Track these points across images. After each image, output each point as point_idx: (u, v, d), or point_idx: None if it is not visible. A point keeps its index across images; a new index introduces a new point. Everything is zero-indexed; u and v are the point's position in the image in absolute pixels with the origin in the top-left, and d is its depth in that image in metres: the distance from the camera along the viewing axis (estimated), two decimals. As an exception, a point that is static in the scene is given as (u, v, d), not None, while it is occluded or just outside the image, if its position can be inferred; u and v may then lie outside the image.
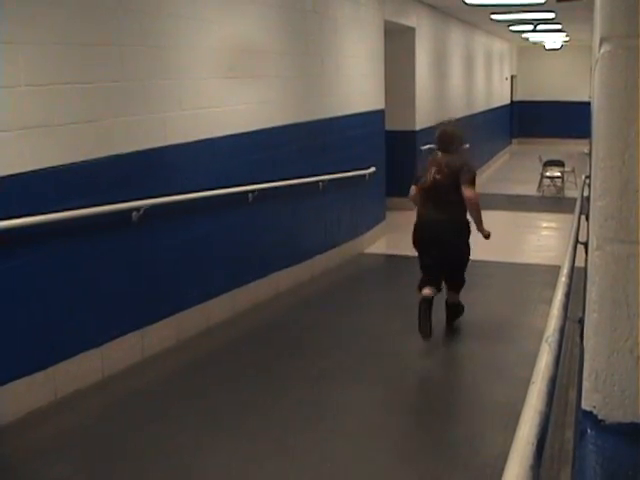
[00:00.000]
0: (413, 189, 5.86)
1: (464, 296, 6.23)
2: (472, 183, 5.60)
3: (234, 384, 5.05)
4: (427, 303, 5.55)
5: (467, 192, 5.53)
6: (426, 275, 5.77)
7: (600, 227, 1.18)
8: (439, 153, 5.85)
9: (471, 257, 6.12)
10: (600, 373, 1.20)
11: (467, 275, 6.17)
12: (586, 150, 15.32)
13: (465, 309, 6.27)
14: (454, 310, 6.13)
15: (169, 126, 5.48)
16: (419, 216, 5.84)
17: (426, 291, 5.63)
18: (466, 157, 6.19)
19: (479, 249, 9.35)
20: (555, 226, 11.47)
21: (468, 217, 5.78)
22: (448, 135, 5.93)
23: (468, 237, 5.85)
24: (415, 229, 5.84)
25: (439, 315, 6.00)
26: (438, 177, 5.62)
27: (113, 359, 5.00)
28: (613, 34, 1.15)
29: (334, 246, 8.36)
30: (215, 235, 6.13)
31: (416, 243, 5.86)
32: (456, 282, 6.01)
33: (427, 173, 5.71)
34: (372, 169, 9.24)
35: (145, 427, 4.40)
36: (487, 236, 5.84)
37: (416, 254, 5.94)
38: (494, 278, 8.32)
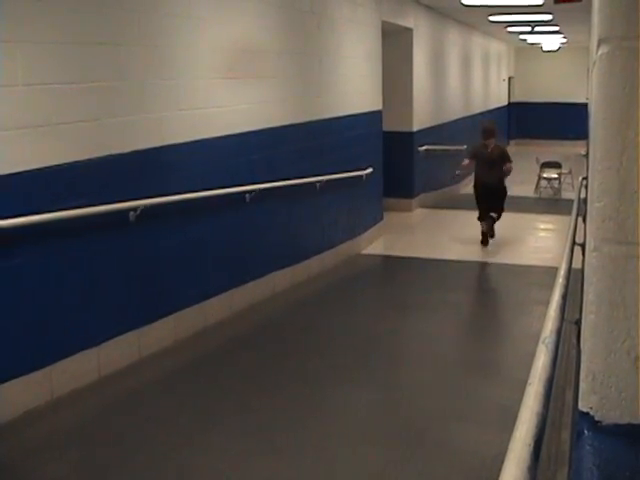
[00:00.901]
0: (466, 160, 9.84)
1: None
2: (510, 160, 9.48)
3: (230, 384, 5.05)
4: (488, 229, 9.53)
5: (509, 166, 9.43)
6: (482, 211, 9.56)
7: (598, 228, 1.18)
8: (484, 140, 9.55)
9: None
10: (597, 374, 1.20)
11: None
12: (583, 152, 15.32)
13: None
14: (492, 225, 9.60)
15: (166, 126, 5.48)
16: (477, 176, 9.66)
17: (485, 227, 9.56)
18: (501, 143, 10.10)
19: (476, 250, 9.36)
20: (552, 227, 11.48)
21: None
22: (491, 129, 9.75)
23: (504, 184, 9.69)
24: (475, 183, 9.70)
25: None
26: (490, 153, 9.43)
27: (110, 359, 4.99)
28: (611, 35, 1.15)
29: (331, 247, 8.35)
30: (212, 235, 6.13)
31: (476, 191, 9.70)
32: (500, 207, 9.63)
33: (480, 152, 9.54)
34: (369, 170, 9.23)
35: (141, 427, 4.39)
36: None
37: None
38: (491, 279, 8.32)
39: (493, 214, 9.53)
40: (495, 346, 6.06)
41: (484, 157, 9.45)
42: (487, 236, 9.58)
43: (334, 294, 7.50)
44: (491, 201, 9.54)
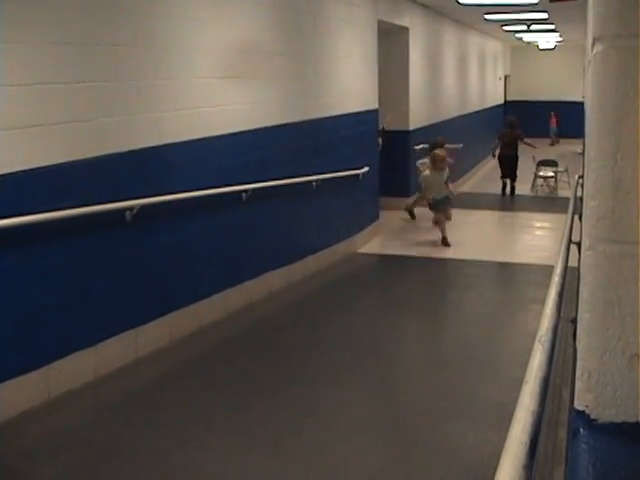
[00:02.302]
0: (497, 141, 14.52)
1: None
2: (522, 138, 14.39)
3: (227, 384, 5.04)
4: (505, 184, 14.47)
5: (528, 140, 14.63)
6: (503, 171, 14.39)
7: (592, 227, 1.17)
8: (508, 129, 14.48)
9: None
10: (592, 373, 1.20)
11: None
12: (579, 150, 15.34)
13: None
14: (513, 188, 14.37)
15: (163, 126, 5.48)
16: (501, 150, 14.34)
17: (505, 180, 14.49)
18: (519, 130, 14.46)
19: (473, 249, 9.38)
20: (548, 226, 11.49)
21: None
22: (510, 121, 14.62)
23: (517, 156, 14.32)
24: (500, 157, 14.35)
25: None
26: (507, 137, 14.22)
27: (106, 359, 4.99)
28: (605, 34, 1.15)
29: (327, 246, 8.35)
30: (208, 234, 6.13)
31: (500, 162, 14.37)
32: (514, 175, 14.30)
33: (505, 136, 14.27)
34: (366, 169, 9.24)
35: (137, 427, 4.39)
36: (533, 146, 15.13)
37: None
38: (487, 278, 8.33)
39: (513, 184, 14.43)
40: (492, 344, 6.07)
41: (504, 139, 14.33)
42: (506, 187, 14.34)
43: (330, 293, 7.49)
44: (509, 165, 14.22)
